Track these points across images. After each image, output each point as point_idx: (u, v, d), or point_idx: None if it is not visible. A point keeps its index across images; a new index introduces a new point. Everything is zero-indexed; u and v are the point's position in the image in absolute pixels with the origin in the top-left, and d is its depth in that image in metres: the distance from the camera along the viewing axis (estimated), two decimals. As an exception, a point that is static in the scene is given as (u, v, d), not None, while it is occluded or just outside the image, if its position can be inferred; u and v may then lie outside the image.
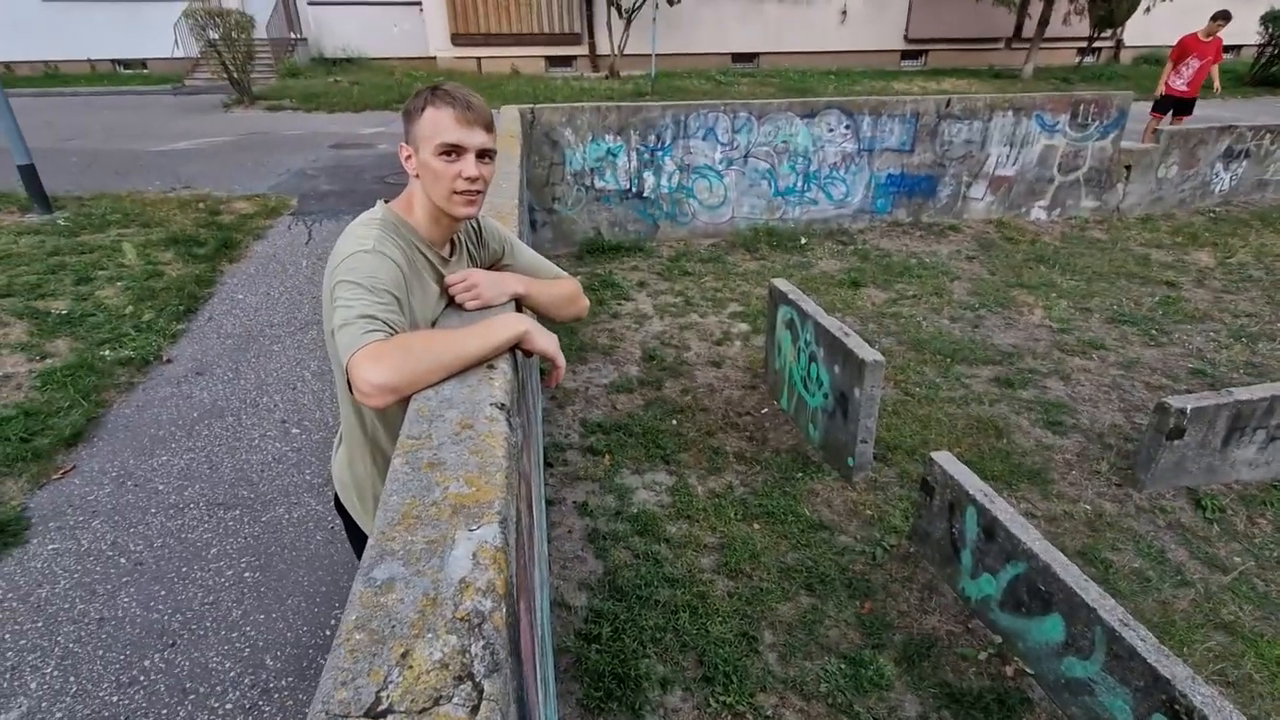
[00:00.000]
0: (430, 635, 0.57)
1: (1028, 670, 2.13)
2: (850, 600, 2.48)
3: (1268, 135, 7.30)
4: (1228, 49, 18.77)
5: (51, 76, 15.23)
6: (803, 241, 6.24)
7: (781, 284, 3.65)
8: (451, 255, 1.37)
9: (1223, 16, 7.48)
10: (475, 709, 0.51)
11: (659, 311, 4.86)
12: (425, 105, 1.20)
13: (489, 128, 1.23)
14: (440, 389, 0.99)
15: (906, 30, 17.55)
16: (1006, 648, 2.21)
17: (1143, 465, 3.02)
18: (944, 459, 2.52)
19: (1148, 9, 14.82)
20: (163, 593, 2.39)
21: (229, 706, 2.04)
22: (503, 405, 0.95)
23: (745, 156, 6.14)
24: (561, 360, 1.24)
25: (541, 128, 5.58)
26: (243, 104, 12.27)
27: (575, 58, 16.46)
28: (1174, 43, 8.01)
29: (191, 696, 2.06)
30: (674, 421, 3.57)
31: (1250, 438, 2.96)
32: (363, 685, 0.53)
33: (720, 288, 5.26)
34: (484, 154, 1.23)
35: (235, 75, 12.27)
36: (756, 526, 2.84)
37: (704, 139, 6.00)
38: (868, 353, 2.90)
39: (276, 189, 6.98)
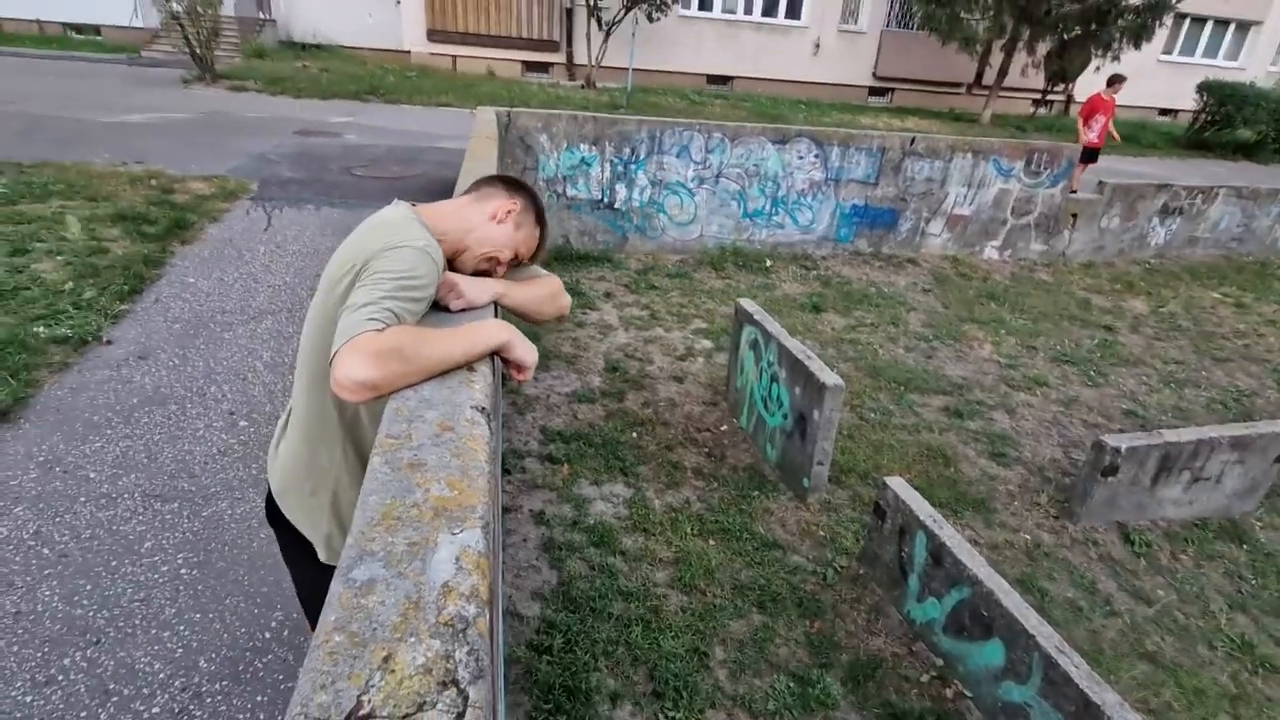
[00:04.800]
0: (413, 639, 0.56)
1: (967, 693, 2.20)
2: (800, 619, 2.51)
3: (1199, 195, 7.82)
4: (1166, 112, 20.10)
5: (-6, 34, 14.42)
6: (768, 264, 6.35)
7: (748, 304, 3.71)
8: None
9: (1119, 79, 8.96)
10: (460, 716, 0.51)
11: (624, 323, 4.87)
12: (540, 220, 1.47)
13: (536, 261, 1.53)
14: (420, 389, 0.98)
15: (875, 68, 18.17)
16: (947, 670, 2.28)
17: (1078, 499, 3.17)
18: (897, 484, 2.59)
19: (1097, 68, 15.72)
20: (89, 587, 2.26)
21: (155, 710, 1.93)
22: (483, 409, 0.94)
23: (717, 176, 6.24)
24: (531, 373, 1.25)
25: (517, 131, 5.56)
26: (204, 81, 11.83)
27: (552, 65, 16.45)
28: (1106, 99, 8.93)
29: (114, 699, 1.94)
30: (634, 434, 3.58)
31: (1176, 478, 3.15)
32: (343, 689, 0.51)
33: (686, 304, 5.30)
34: (511, 263, 1.46)
35: (198, 51, 11.82)
36: (712, 543, 2.87)
37: (677, 156, 6.07)
38: (829, 376, 2.97)
39: (236, 172, 6.74)
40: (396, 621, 0.58)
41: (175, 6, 11.62)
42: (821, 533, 3.00)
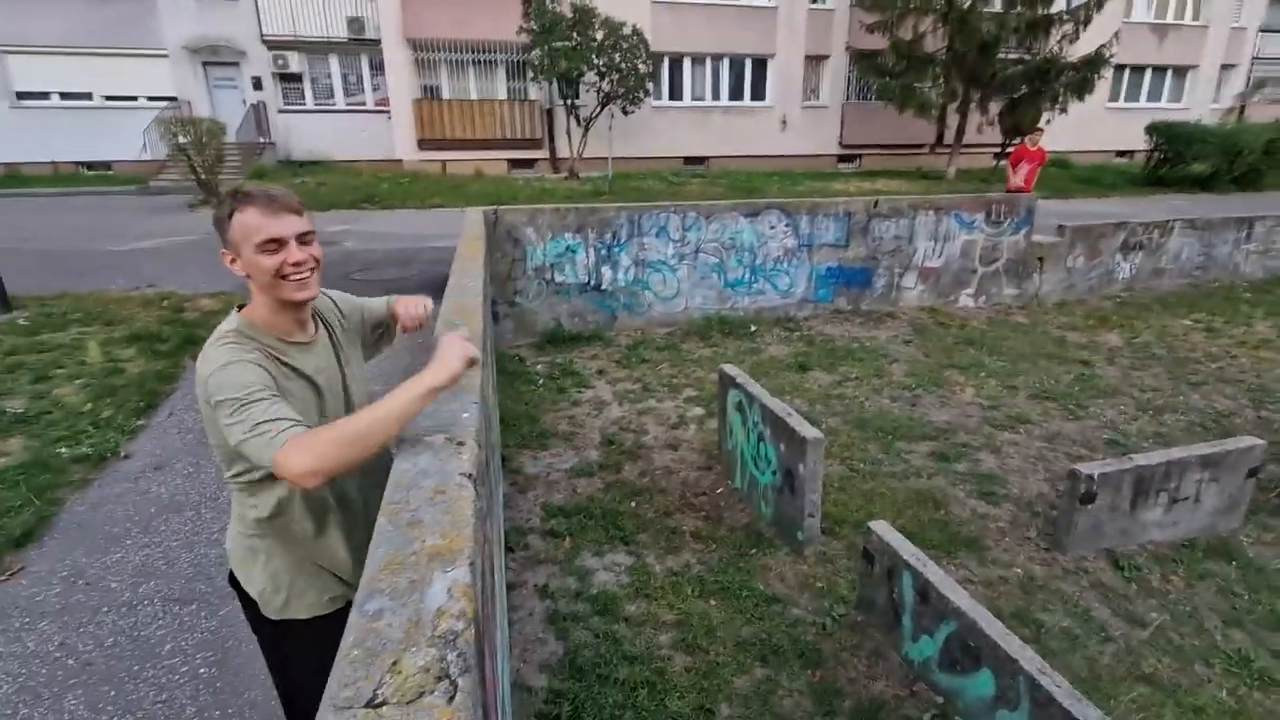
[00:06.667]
0: (415, 649, 0.73)
1: (967, 728, 2.25)
2: (802, 670, 2.57)
3: (1156, 230, 8.21)
4: (1123, 153, 21.03)
5: (12, 178, 15.36)
6: (752, 329, 6.62)
7: (730, 369, 3.91)
8: (316, 333, 1.49)
9: (1038, 130, 10.25)
10: (452, 698, 0.67)
11: (618, 398, 5.06)
12: (232, 211, 1.30)
13: (298, 211, 1.33)
14: (416, 462, 1.16)
15: (841, 137, 19.24)
16: (947, 707, 2.33)
17: (1064, 530, 3.26)
18: (881, 528, 2.71)
19: (1048, 120, 16.67)
20: (112, 693, 2.34)
21: (179, 809, 1.99)
22: (470, 475, 1.12)
23: (696, 252, 6.60)
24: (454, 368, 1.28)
25: (504, 226, 5.95)
26: (209, 204, 12.55)
27: (536, 160, 17.44)
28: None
29: (139, 801, 2.00)
30: (633, 503, 3.70)
31: (1155, 500, 3.25)
32: (362, 685, 0.67)
33: (676, 374, 5.51)
34: (303, 237, 1.32)
35: (203, 177, 12.62)
36: (713, 602, 2.94)
37: (657, 236, 6.45)
38: (808, 430, 3.14)
39: (240, 287, 7.08)
40: (401, 637, 0.74)
41: (181, 139, 12.50)
42: (819, 583, 3.08)
